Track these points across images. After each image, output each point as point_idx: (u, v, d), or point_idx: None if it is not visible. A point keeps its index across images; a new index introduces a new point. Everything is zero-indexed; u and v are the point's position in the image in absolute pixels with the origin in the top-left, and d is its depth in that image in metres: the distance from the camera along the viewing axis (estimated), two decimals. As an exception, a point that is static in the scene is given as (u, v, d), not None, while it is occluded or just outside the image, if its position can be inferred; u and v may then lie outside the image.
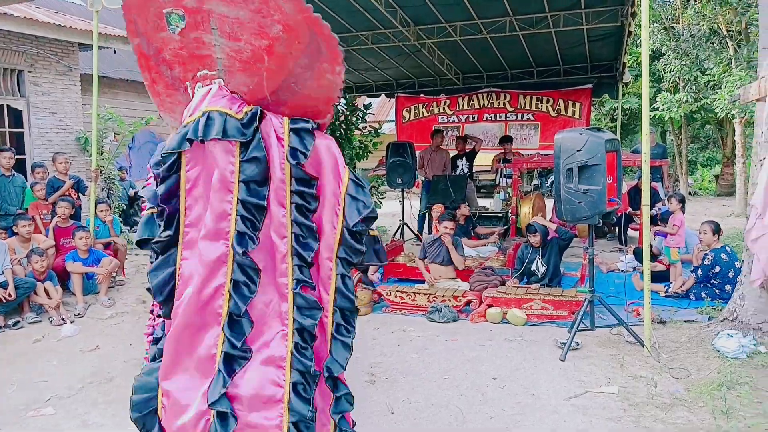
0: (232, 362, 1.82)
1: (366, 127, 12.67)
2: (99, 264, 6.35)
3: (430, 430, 3.54)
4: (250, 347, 1.84)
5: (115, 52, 11.69)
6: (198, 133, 1.76)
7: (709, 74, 13.78)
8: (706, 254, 6.10)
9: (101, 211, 7.09)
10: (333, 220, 1.87)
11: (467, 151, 10.40)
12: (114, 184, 9.89)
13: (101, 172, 8.92)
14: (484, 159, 11.75)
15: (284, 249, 1.82)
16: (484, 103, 11.90)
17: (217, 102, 1.80)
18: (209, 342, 1.83)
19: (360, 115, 12.17)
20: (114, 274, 6.70)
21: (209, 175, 1.82)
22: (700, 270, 6.05)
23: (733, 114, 12.75)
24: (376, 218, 1.97)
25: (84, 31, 9.45)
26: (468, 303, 5.91)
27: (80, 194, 7.55)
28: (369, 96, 13.62)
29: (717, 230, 6.11)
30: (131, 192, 11.65)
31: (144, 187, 2.37)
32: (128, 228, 10.88)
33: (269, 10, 1.68)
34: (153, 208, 2.08)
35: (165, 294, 1.89)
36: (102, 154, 9.49)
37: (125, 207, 10.99)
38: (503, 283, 6.22)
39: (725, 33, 13.68)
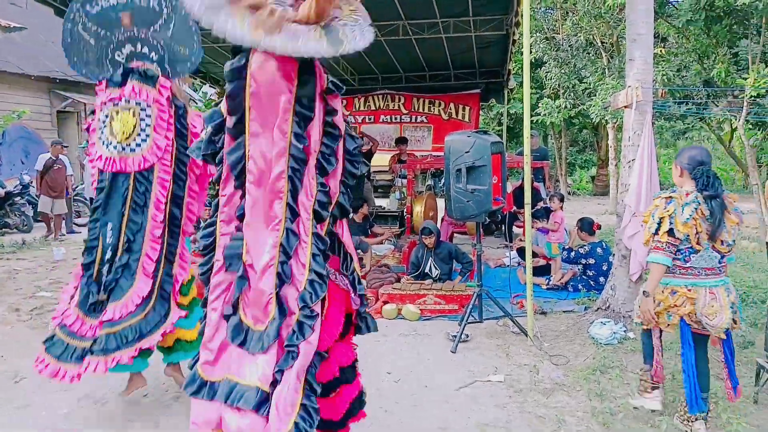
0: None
1: (261, 125, 12.45)
2: (-36, 270, 5.82)
3: (327, 427, 3.56)
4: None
5: (-18, 39, 10.74)
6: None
7: (586, 82, 14.80)
8: (583, 245, 6.58)
9: (-34, 212, 6.50)
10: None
11: (364, 151, 10.51)
12: (-19, 183, 9.07)
13: (-34, 169, 8.17)
14: (381, 159, 11.94)
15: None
16: (379, 105, 12.08)
17: None
18: (276, 212, 2.25)
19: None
20: (-18, 281, 6.17)
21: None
22: (573, 252, 6.52)
23: (607, 119, 13.79)
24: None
25: (-56, 15, 8.61)
26: (364, 300, 5.98)
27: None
28: (264, 94, 13.40)
29: (584, 227, 6.60)
30: (1, 192, 10.73)
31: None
32: (-2, 230, 10.04)
33: None
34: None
35: (237, 170, 2.26)
36: (-33, 150, 8.69)
37: (-6, 207, 10.13)
38: (398, 280, 6.37)
39: (600, 44, 14.76)
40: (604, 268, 6.28)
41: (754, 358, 4.00)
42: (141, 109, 3.49)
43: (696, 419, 3.36)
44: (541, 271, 6.94)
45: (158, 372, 4.42)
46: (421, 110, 11.90)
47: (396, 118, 12.04)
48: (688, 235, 3.28)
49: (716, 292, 3.31)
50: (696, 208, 3.26)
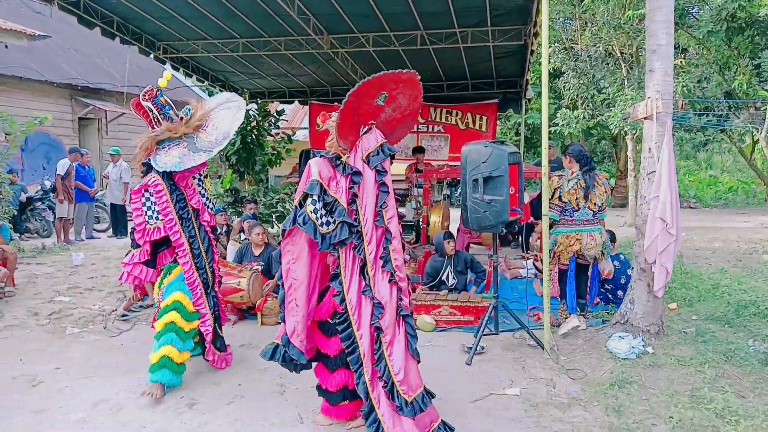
0: None
1: (279, 133, 12.53)
2: (-15, 274, 5.89)
3: (340, 437, 3.54)
4: None
5: (6, 47, 10.93)
6: (387, 153, 3.40)
7: (605, 93, 14.69)
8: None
9: (-12, 216, 6.59)
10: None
11: None
12: (3, 187, 9.20)
13: (-12, 175, 8.30)
14: (397, 168, 11.92)
15: None
16: (396, 114, 12.05)
17: (382, 138, 3.43)
18: None
19: (272, 121, 12.03)
20: (2, 284, 6.23)
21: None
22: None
23: (626, 131, 13.66)
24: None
25: (-29, 23, 8.79)
26: (379, 310, 5.95)
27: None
28: (282, 102, 13.48)
29: (610, 239, 6.51)
30: (23, 197, 10.88)
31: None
32: (19, 235, 10.16)
33: (415, 104, 3.56)
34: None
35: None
36: (-10, 155, 8.83)
37: (16, 212, 10.25)
38: (414, 290, 6.33)
39: (619, 55, 14.66)
40: (622, 281, 6.18)
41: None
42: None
43: (572, 316, 5.44)
44: (558, 283, 6.86)
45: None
46: (438, 120, 11.88)
47: (413, 128, 12.01)
48: (570, 200, 5.30)
49: (594, 236, 5.38)
50: (576, 182, 5.31)
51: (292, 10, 7.35)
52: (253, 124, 11.38)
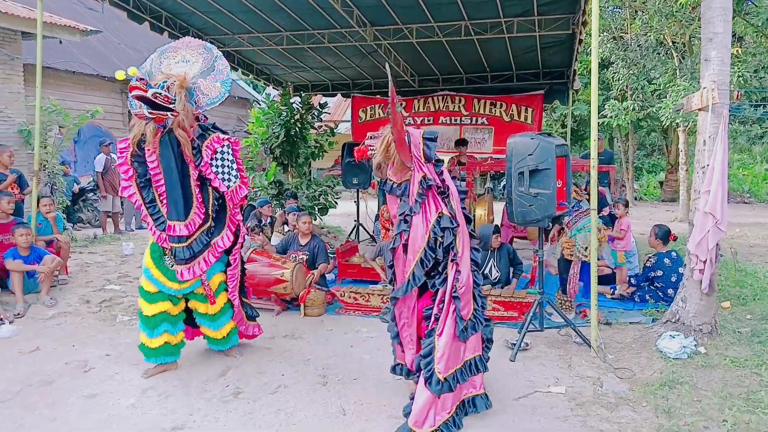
0: None
1: (321, 126, 12.61)
2: (41, 262, 6.08)
3: (382, 430, 3.53)
4: None
5: (60, 42, 11.27)
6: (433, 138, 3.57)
7: (655, 84, 14.24)
8: (649, 257, 6.31)
9: (44, 205, 6.80)
10: None
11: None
12: (57, 179, 9.51)
13: (44, 166, 8.57)
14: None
15: None
16: (439, 106, 11.96)
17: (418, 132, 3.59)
18: None
19: (315, 114, 12.10)
20: (56, 273, 6.45)
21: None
22: (640, 271, 6.30)
23: (677, 123, 13.23)
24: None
25: (27, 19, 9.08)
26: (421, 304, 5.92)
27: (22, 189, 7.22)
28: (325, 95, 13.55)
29: (660, 234, 6.30)
30: (75, 188, 11.24)
31: None
32: (72, 225, 10.50)
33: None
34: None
35: None
36: (45, 147, 9.12)
37: (69, 203, 10.60)
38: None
39: (671, 44, 14.18)
40: (673, 279, 5.99)
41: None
42: None
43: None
44: (606, 279, 6.68)
45: (217, 369, 4.51)
46: (481, 112, 11.71)
47: (456, 120, 11.89)
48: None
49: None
50: None
51: (336, 3, 7.35)
52: (297, 117, 11.47)
